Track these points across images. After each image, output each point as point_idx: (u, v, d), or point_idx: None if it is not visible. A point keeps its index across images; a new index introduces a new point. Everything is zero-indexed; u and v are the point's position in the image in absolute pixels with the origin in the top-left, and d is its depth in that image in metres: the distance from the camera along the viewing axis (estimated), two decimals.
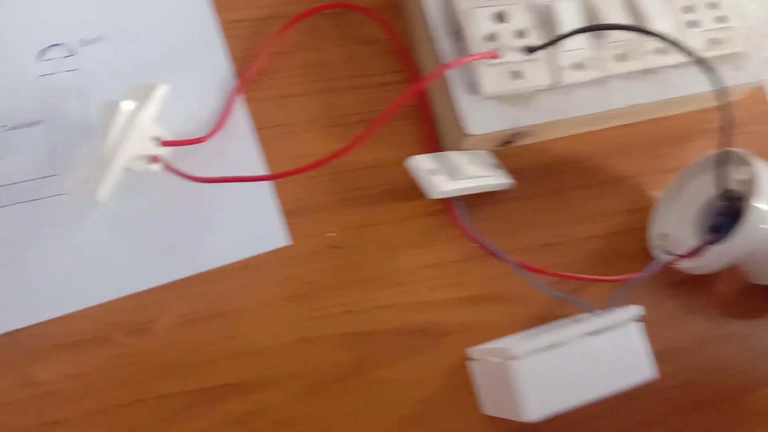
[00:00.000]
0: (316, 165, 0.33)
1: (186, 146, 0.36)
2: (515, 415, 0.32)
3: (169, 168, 0.33)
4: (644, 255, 0.41)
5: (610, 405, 0.38)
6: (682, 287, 0.42)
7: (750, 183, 0.36)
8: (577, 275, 0.38)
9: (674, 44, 0.35)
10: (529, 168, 0.42)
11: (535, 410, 0.31)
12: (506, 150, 0.41)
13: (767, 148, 0.46)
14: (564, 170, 0.42)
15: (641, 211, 0.43)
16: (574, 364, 0.32)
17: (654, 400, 0.39)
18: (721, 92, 0.34)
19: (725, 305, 0.42)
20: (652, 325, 0.40)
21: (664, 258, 0.39)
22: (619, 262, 0.41)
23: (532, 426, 0.36)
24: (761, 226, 0.35)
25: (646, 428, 0.39)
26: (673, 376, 0.40)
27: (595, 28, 0.38)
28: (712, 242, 0.37)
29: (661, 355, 0.40)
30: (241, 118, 0.37)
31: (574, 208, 0.42)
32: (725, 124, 0.35)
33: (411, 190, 0.38)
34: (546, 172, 0.42)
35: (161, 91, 0.33)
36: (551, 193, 0.42)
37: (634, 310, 0.34)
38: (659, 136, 0.44)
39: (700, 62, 0.34)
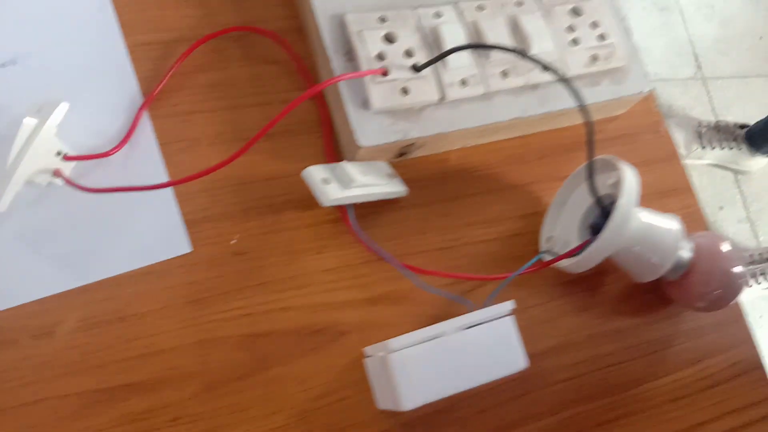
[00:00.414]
0: (208, 171, 0.35)
1: (93, 160, 0.38)
2: (396, 405, 0.34)
3: (67, 180, 0.36)
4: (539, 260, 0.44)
5: (501, 399, 0.41)
6: (571, 287, 0.45)
7: (617, 186, 0.39)
8: (456, 274, 0.41)
9: (535, 61, 0.39)
10: (428, 177, 0.45)
11: (411, 399, 0.34)
12: (406, 161, 0.44)
13: (655, 156, 0.50)
14: (461, 179, 0.45)
15: (534, 216, 0.46)
16: (451, 355, 0.35)
17: (544, 394, 0.42)
18: (583, 107, 0.37)
19: (612, 303, 0.45)
20: (542, 323, 0.43)
21: (547, 258, 0.42)
22: (511, 264, 0.44)
23: (422, 419, 0.39)
24: (626, 224, 0.38)
25: (536, 421, 0.41)
26: (562, 370, 0.43)
27: (468, 47, 0.41)
28: (588, 242, 0.40)
29: (551, 351, 0.43)
30: (146, 134, 0.40)
31: (470, 214, 0.45)
32: (589, 136, 0.38)
33: (312, 199, 0.41)
34: (444, 180, 0.45)
35: (61, 109, 0.36)
36: (448, 200, 0.45)
37: (508, 305, 0.37)
38: (552, 146, 0.48)
39: (562, 79, 0.37)
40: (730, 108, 1.66)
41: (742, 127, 1.51)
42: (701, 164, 1.53)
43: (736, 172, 1.57)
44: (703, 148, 1.49)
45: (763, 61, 1.74)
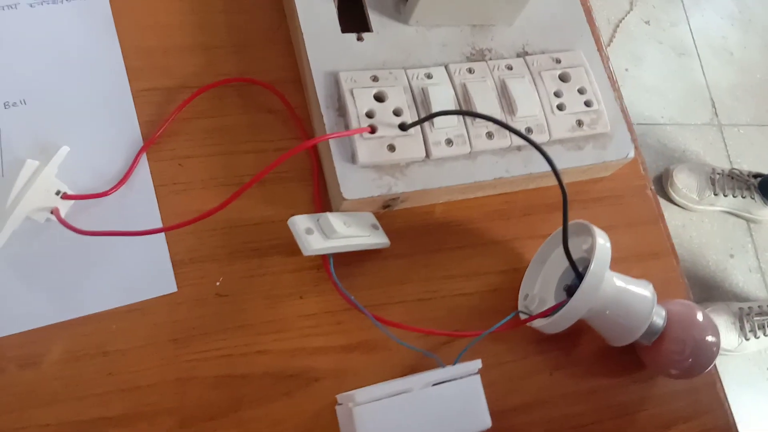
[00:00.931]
0: (198, 218, 0.37)
1: (90, 200, 0.40)
2: None
3: (61, 221, 0.38)
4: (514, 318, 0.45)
5: None
6: (547, 344, 0.45)
7: (590, 251, 0.41)
8: (427, 330, 0.42)
9: (510, 129, 0.40)
10: (411, 228, 0.46)
11: None
12: (391, 212, 0.46)
13: (640, 219, 0.51)
14: (444, 232, 0.47)
15: (514, 272, 0.47)
16: (416, 410, 0.36)
17: None
18: (557, 175, 0.38)
19: (587, 364, 0.46)
20: (515, 379, 0.44)
21: (522, 316, 0.43)
22: (490, 318, 0.45)
23: None
24: (597, 288, 0.39)
25: None
26: (532, 427, 0.43)
27: (452, 113, 0.43)
28: (563, 304, 0.41)
29: (523, 407, 0.44)
30: (143, 176, 0.42)
31: (451, 267, 0.46)
32: (564, 203, 0.39)
33: (297, 246, 0.43)
34: (427, 232, 0.46)
35: (62, 152, 0.38)
36: (430, 252, 0.46)
37: (475, 363, 0.38)
38: (536, 204, 0.49)
39: (537, 148, 0.39)
40: (744, 156, 1.66)
41: (756, 176, 1.50)
42: (713, 210, 1.53)
43: (748, 220, 1.57)
44: (716, 194, 1.49)
45: None
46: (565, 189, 0.38)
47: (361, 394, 0.35)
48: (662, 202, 1.48)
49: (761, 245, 1.59)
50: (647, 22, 1.79)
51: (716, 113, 1.73)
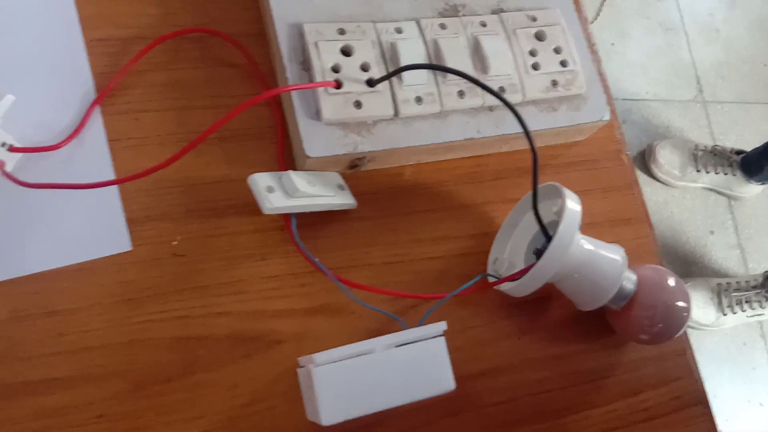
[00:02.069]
0: (151, 170, 0.35)
1: (40, 153, 0.38)
2: (317, 420, 0.34)
3: (6, 174, 0.36)
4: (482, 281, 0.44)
5: (431, 418, 0.41)
6: (514, 309, 0.45)
7: (559, 213, 0.39)
8: (391, 291, 0.41)
9: (482, 86, 0.39)
10: (379, 190, 0.45)
11: (332, 415, 0.34)
12: (358, 173, 0.44)
13: (614, 184, 0.50)
14: (413, 194, 0.45)
15: (484, 237, 0.46)
16: (378, 372, 0.35)
17: (476, 416, 0.42)
18: (528, 135, 0.37)
19: (554, 329, 0.45)
20: (482, 344, 0.43)
21: (490, 279, 0.42)
22: (457, 283, 0.44)
23: (349, 431, 0.39)
24: (566, 250, 0.38)
25: None
26: (497, 392, 0.43)
27: (422, 66, 0.41)
28: (531, 267, 0.40)
29: (487, 372, 0.43)
30: (96, 130, 0.40)
31: (419, 230, 0.45)
32: (534, 165, 0.38)
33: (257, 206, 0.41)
34: (395, 195, 0.45)
35: (6, 102, 0.36)
36: (398, 215, 0.45)
37: (440, 326, 0.37)
38: (507, 167, 0.48)
39: (509, 107, 0.37)
40: (727, 133, 1.66)
41: (738, 153, 1.50)
42: (695, 187, 1.53)
43: (729, 197, 1.57)
44: (698, 171, 1.49)
45: (765, 88, 1.73)
46: (535, 147, 0.37)
47: (321, 355, 0.34)
48: (644, 178, 1.47)
49: (741, 222, 1.60)
50: None
51: (701, 90, 1.72)
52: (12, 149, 0.37)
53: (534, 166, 0.37)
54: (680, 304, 0.42)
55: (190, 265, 0.40)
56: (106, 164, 0.40)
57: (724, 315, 1.40)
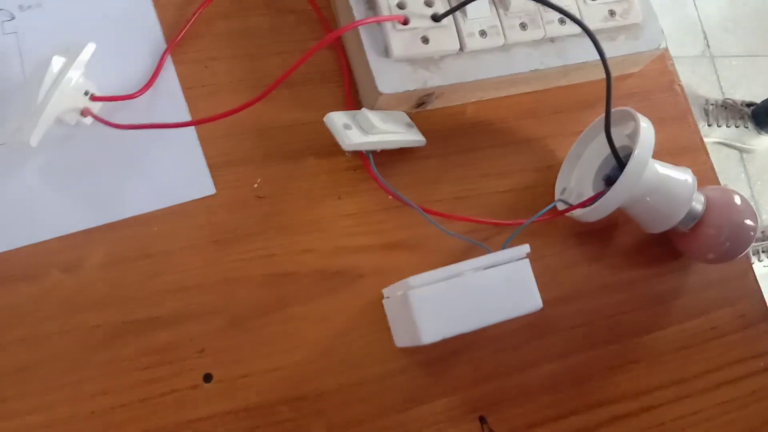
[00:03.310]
0: (233, 112, 0.36)
1: (118, 102, 0.39)
2: (416, 340, 0.35)
3: (96, 117, 0.36)
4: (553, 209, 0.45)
5: (514, 343, 0.42)
6: (584, 238, 0.46)
7: (633, 137, 0.40)
8: (474, 218, 0.42)
9: (564, 13, 0.39)
10: (445, 129, 0.45)
11: (430, 334, 0.35)
12: (423, 112, 0.45)
13: (669, 114, 0.51)
14: (477, 131, 0.46)
15: (548, 170, 0.47)
16: (468, 293, 0.36)
17: (556, 339, 0.43)
18: (602, 54, 0.37)
19: (623, 255, 0.46)
20: (555, 271, 0.44)
21: (561, 206, 0.43)
22: (525, 214, 0.44)
23: (438, 358, 0.40)
24: (641, 173, 0.39)
25: (548, 363, 0.43)
26: (573, 317, 0.44)
27: None
28: (602, 193, 0.41)
29: (563, 299, 0.44)
30: (169, 78, 0.41)
31: (485, 166, 0.45)
32: (609, 86, 0.38)
33: (332, 147, 0.42)
34: (460, 133, 0.46)
35: (89, 49, 0.36)
36: (463, 151, 0.45)
37: (524, 248, 0.38)
38: (567, 101, 0.48)
39: (581, 25, 0.38)
40: (737, 87, 1.66)
41: (749, 105, 1.50)
42: (708, 142, 1.54)
43: (741, 150, 1.58)
44: (710, 125, 1.49)
45: None
46: (607, 65, 0.37)
47: (416, 278, 0.35)
48: None
49: (754, 175, 1.61)
50: None
51: (708, 45, 1.71)
52: (93, 98, 0.38)
53: (608, 83, 0.38)
54: (748, 222, 0.43)
55: (272, 206, 0.41)
56: (183, 111, 0.40)
57: None
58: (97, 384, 0.35)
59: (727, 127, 1.51)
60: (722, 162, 1.57)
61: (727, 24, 1.74)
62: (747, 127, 1.51)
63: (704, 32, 1.72)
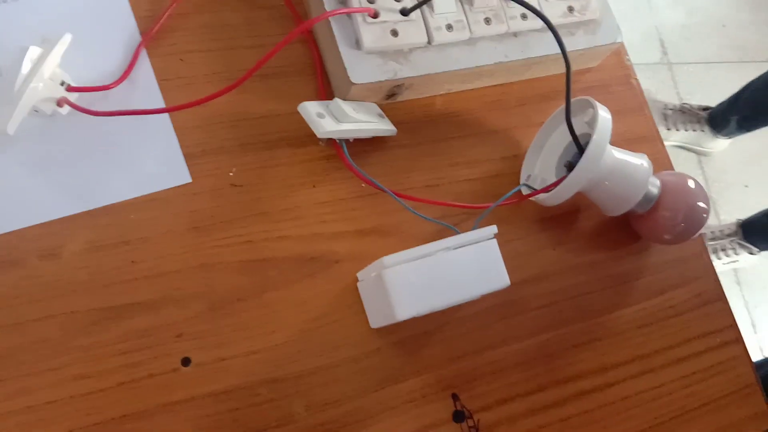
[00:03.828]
0: (207, 99, 0.37)
1: (94, 93, 0.40)
2: (390, 318, 0.37)
3: (72, 104, 0.37)
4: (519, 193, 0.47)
5: (483, 323, 0.44)
6: (548, 223, 0.48)
7: (592, 123, 0.42)
8: (444, 202, 0.44)
9: (526, 5, 0.41)
10: (414, 120, 0.47)
11: (404, 310, 0.36)
12: (394, 104, 0.47)
13: (626, 107, 0.54)
14: (445, 122, 0.48)
15: (513, 159, 0.49)
16: (440, 272, 0.37)
17: (523, 319, 0.45)
18: (562, 46, 0.40)
19: (585, 238, 0.48)
20: (522, 255, 0.46)
21: (525, 191, 0.45)
22: (493, 201, 0.46)
23: (411, 338, 0.42)
24: (599, 157, 0.41)
25: (517, 342, 0.44)
26: (540, 298, 0.46)
27: None
28: (564, 178, 0.43)
29: (529, 280, 0.46)
30: (145, 70, 0.41)
31: (454, 155, 0.47)
32: (568, 76, 0.41)
33: (306, 137, 0.43)
34: (429, 124, 0.47)
35: (65, 40, 0.37)
36: (433, 141, 0.47)
37: (492, 228, 0.39)
38: (530, 94, 0.51)
39: (544, 20, 0.40)
40: (693, 93, 1.73)
41: (705, 109, 1.57)
42: (667, 145, 1.59)
43: (699, 153, 1.64)
44: (669, 129, 1.55)
45: (726, 48, 1.81)
46: (567, 56, 0.40)
47: (389, 258, 0.37)
48: None
49: (711, 176, 1.67)
50: None
51: (666, 53, 1.78)
52: (70, 89, 0.39)
53: (567, 73, 0.40)
54: (701, 204, 0.46)
55: (248, 194, 0.42)
56: (158, 101, 0.41)
57: None
58: (77, 369, 0.36)
59: (685, 131, 1.57)
60: (681, 165, 1.63)
61: (685, 32, 1.81)
62: (704, 131, 1.57)
63: (661, 40, 1.79)
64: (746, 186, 1.69)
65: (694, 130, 1.58)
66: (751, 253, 1.47)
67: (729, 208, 1.65)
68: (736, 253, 1.48)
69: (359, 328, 0.41)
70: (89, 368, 0.36)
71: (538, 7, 0.47)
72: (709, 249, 1.48)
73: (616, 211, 0.46)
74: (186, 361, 0.37)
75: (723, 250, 1.49)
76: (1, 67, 0.38)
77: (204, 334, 0.38)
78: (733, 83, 1.50)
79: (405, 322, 0.37)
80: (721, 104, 1.53)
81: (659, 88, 1.71)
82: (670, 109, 1.57)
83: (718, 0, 1.88)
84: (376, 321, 0.40)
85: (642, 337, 0.47)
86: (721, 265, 1.48)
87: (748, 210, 1.51)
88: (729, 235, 1.50)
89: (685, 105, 1.58)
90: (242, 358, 0.38)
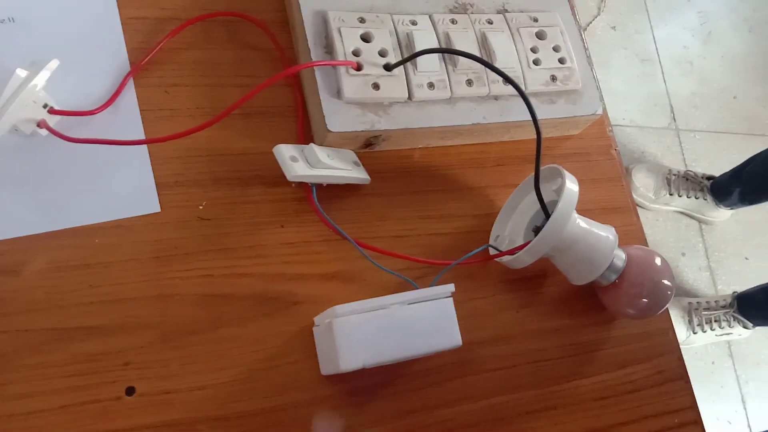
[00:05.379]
0: (181, 135, 0.38)
1: (77, 117, 0.41)
2: (335, 367, 0.37)
3: (50, 129, 0.38)
4: (484, 253, 0.47)
5: (438, 379, 0.44)
6: (515, 284, 0.48)
7: (559, 191, 0.43)
8: (406, 256, 0.44)
9: (503, 75, 0.43)
10: (391, 170, 0.48)
11: (350, 361, 0.36)
12: (371, 153, 0.48)
13: (604, 176, 0.54)
14: (421, 175, 0.49)
15: (486, 217, 0.49)
16: (392, 326, 0.38)
17: (479, 379, 0.45)
18: (534, 115, 0.41)
19: (550, 304, 0.48)
20: (484, 314, 0.46)
21: (492, 252, 0.46)
22: (461, 256, 0.47)
23: (363, 389, 0.42)
24: (564, 223, 0.42)
25: (470, 403, 0.44)
26: (498, 360, 0.46)
27: (438, 51, 0.45)
28: (530, 242, 0.44)
29: (489, 341, 0.46)
30: (129, 99, 0.43)
31: (427, 208, 0.48)
32: (538, 144, 0.41)
33: (280, 177, 0.44)
34: (405, 175, 0.48)
35: (52, 65, 0.38)
36: (407, 193, 0.48)
37: (449, 287, 0.40)
38: (509, 155, 0.52)
39: (517, 88, 0.41)
40: (699, 160, 1.74)
41: (709, 178, 1.57)
42: (668, 210, 1.60)
43: (700, 221, 1.64)
44: (671, 194, 1.55)
45: (735, 120, 1.82)
46: (538, 125, 0.41)
47: (341, 307, 0.37)
48: None
49: (711, 245, 1.66)
50: (613, 28, 1.86)
51: (674, 119, 1.80)
52: (52, 111, 0.40)
53: (538, 142, 0.41)
54: (665, 282, 0.46)
55: (215, 228, 0.42)
56: (138, 131, 0.42)
57: (695, 333, 1.45)
58: (22, 387, 0.36)
59: (688, 198, 1.57)
60: (682, 231, 1.63)
61: (695, 100, 1.83)
62: (706, 200, 1.57)
63: (671, 105, 1.81)
64: (746, 258, 1.68)
65: (697, 198, 1.58)
66: (746, 327, 1.45)
67: (727, 279, 1.64)
68: (730, 326, 1.47)
69: (311, 373, 0.41)
70: (34, 388, 0.36)
71: (521, 73, 0.48)
72: (704, 319, 1.46)
73: (580, 280, 0.46)
74: (130, 390, 0.37)
75: (717, 321, 1.48)
76: None
77: (152, 364, 0.38)
78: (739, 154, 1.51)
79: (358, 371, 0.37)
80: (724, 175, 1.54)
81: (665, 152, 1.73)
82: (674, 175, 1.57)
83: (732, 72, 1.90)
84: (326, 368, 0.40)
85: (598, 409, 0.47)
86: (714, 336, 1.46)
87: (747, 282, 1.50)
88: (724, 307, 1.48)
89: (689, 172, 1.59)
90: (187, 392, 0.38)
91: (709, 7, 1.97)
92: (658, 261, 0.46)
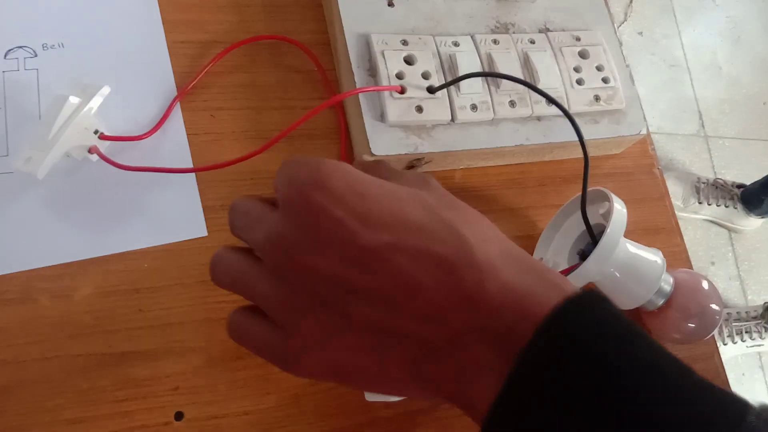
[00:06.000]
0: (231, 163, 0.39)
1: (125, 142, 0.41)
2: (384, 397, 0.37)
3: (102, 156, 0.39)
4: None
5: None
6: None
7: (607, 216, 0.42)
8: None
9: (549, 98, 0.42)
10: None
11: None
12: None
13: (648, 195, 0.53)
14: (463, 196, 0.48)
15: (527, 238, 0.49)
16: None
17: None
18: (580, 137, 0.40)
19: None
20: None
21: None
22: None
23: (406, 414, 0.41)
24: (612, 251, 0.41)
25: None
26: None
27: (482, 74, 0.45)
28: (576, 266, 0.43)
29: None
30: (176, 124, 0.43)
31: None
32: (586, 169, 0.41)
33: None
34: None
35: (104, 92, 0.39)
36: None
37: None
38: (550, 175, 0.51)
39: (563, 110, 0.40)
40: (729, 167, 1.71)
41: (739, 186, 1.54)
42: (697, 218, 1.57)
43: (730, 230, 1.61)
44: (700, 203, 1.53)
45: (765, 126, 1.79)
46: (586, 150, 0.40)
47: None
48: None
49: (741, 254, 1.63)
50: (640, 33, 1.84)
51: (703, 125, 1.77)
52: (102, 137, 0.40)
53: (585, 167, 0.40)
54: (714, 306, 0.45)
55: None
56: (185, 156, 0.43)
57: (725, 344, 1.42)
58: (74, 412, 0.36)
59: (717, 206, 1.54)
60: (711, 239, 1.60)
61: (723, 106, 1.80)
62: (736, 208, 1.54)
63: (700, 112, 1.78)
64: None
65: (726, 206, 1.55)
66: None
67: (757, 289, 1.61)
68: (761, 337, 1.44)
69: (355, 399, 0.41)
70: (84, 412, 0.36)
71: (564, 93, 0.48)
72: (734, 330, 1.43)
73: (627, 306, 0.45)
74: (179, 416, 0.38)
75: (747, 332, 1.45)
76: (40, 111, 0.40)
77: (200, 389, 0.38)
78: None
79: (403, 399, 0.37)
80: (754, 184, 1.51)
81: (693, 160, 1.70)
82: (703, 183, 1.55)
83: (762, 77, 1.87)
84: (371, 395, 0.40)
85: None
86: (745, 347, 1.44)
87: None
88: (755, 318, 1.45)
89: (718, 180, 1.56)
90: (233, 417, 0.38)
91: (737, 11, 1.94)
92: (705, 285, 0.46)
